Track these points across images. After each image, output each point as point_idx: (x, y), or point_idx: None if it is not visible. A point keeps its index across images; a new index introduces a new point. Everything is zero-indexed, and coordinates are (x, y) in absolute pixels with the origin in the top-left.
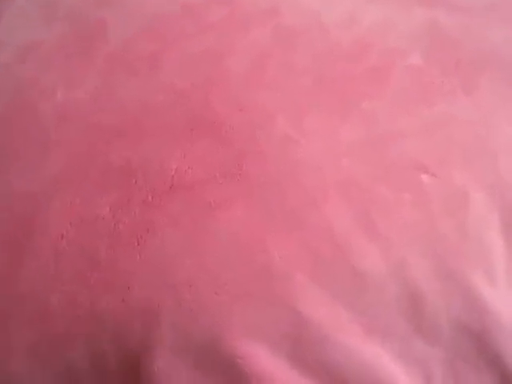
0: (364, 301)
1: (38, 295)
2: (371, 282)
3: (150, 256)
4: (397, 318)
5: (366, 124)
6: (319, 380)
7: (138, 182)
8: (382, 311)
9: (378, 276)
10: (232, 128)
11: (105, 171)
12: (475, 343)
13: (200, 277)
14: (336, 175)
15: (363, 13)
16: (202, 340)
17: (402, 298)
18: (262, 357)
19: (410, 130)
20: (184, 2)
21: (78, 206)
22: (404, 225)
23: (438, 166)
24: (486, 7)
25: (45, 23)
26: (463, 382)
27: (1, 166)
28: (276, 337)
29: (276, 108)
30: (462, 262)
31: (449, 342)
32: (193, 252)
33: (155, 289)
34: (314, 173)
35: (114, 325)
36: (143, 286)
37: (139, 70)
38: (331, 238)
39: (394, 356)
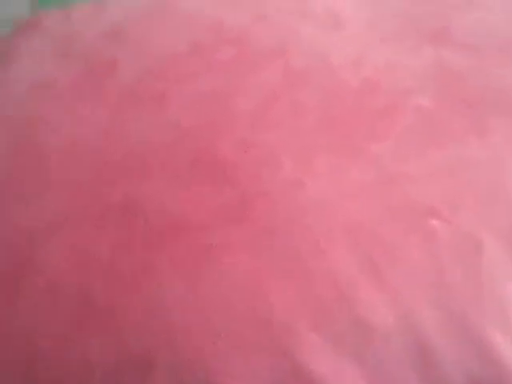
0: (369, 353)
1: (29, 338)
2: (377, 332)
3: (146, 299)
4: (405, 371)
5: (375, 167)
6: None
7: (139, 222)
8: (388, 364)
9: (384, 326)
10: (237, 169)
11: (106, 210)
12: None
13: (198, 324)
14: (343, 219)
15: (372, 53)
16: None
17: (411, 351)
18: None
19: (419, 174)
20: (192, 41)
21: (77, 244)
22: (412, 273)
23: (449, 211)
24: (499, 48)
25: (59, 61)
26: None
27: (2, 201)
28: None
29: (282, 148)
30: (476, 313)
31: None
32: (192, 297)
33: (150, 335)
34: (319, 216)
35: (105, 373)
36: (138, 331)
37: (147, 108)
38: (335, 285)
39: None
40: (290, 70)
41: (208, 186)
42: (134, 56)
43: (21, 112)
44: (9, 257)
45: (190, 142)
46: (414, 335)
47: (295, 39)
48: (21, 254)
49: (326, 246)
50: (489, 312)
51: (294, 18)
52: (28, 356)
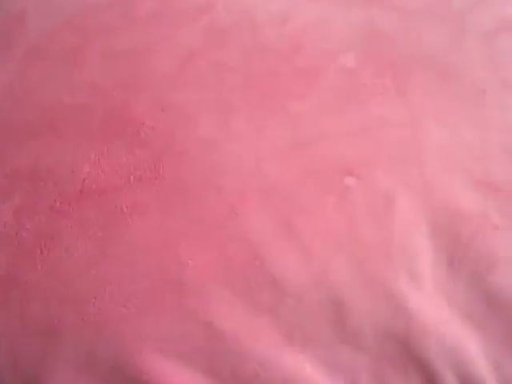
0: (284, 308)
1: None
2: (291, 289)
3: (52, 266)
4: (319, 325)
5: (292, 125)
6: None
7: (47, 185)
8: (303, 319)
9: (298, 283)
10: (151, 129)
11: (11, 173)
12: (401, 348)
13: (106, 289)
14: (257, 180)
15: (299, 11)
16: (108, 356)
17: (325, 305)
18: (170, 372)
19: (336, 132)
20: None
21: None
22: (326, 230)
23: (364, 168)
24: (422, 8)
25: None
26: None
27: None
28: (188, 351)
29: (200, 108)
30: (386, 268)
31: (374, 348)
32: (100, 262)
33: (56, 303)
34: (234, 177)
35: (10, 343)
36: (43, 299)
37: (59, 66)
38: (248, 245)
39: (317, 363)
40: (214, 27)
41: (121, 148)
42: (46, 6)
43: None
44: None
45: (105, 101)
46: (328, 290)
47: None
48: None
49: (239, 207)
50: (398, 265)
51: None
52: None
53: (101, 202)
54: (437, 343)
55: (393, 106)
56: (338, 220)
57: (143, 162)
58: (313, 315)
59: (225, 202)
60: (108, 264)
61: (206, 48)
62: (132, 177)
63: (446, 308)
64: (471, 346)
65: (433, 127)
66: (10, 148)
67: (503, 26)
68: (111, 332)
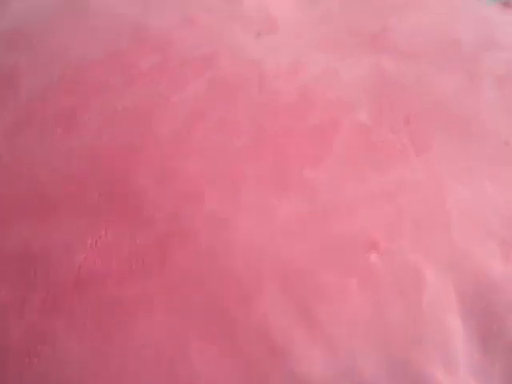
0: None
1: None
2: None
3: (44, 376)
4: None
5: (308, 197)
6: None
7: (38, 274)
8: None
9: (321, 379)
10: (154, 205)
11: (1, 259)
12: None
13: None
14: (273, 261)
15: (308, 61)
16: None
17: None
18: None
19: (356, 201)
20: (109, 47)
21: None
22: (351, 317)
23: (388, 241)
24: (437, 53)
25: None
26: None
27: None
28: None
29: (205, 179)
30: (417, 354)
31: None
32: (98, 368)
33: None
34: (247, 260)
35: None
36: None
37: (52, 130)
38: (267, 340)
39: None
40: (218, 81)
41: (121, 228)
42: (40, 65)
43: None
44: None
45: (103, 173)
46: None
47: (225, 46)
48: None
49: (254, 295)
50: (429, 350)
51: (224, 21)
52: None
53: (98, 296)
54: None
55: (413, 166)
56: (362, 304)
57: (146, 245)
58: None
59: (238, 289)
60: (108, 370)
61: (211, 106)
62: (134, 264)
63: None
64: None
65: (456, 188)
66: None
67: None
68: None
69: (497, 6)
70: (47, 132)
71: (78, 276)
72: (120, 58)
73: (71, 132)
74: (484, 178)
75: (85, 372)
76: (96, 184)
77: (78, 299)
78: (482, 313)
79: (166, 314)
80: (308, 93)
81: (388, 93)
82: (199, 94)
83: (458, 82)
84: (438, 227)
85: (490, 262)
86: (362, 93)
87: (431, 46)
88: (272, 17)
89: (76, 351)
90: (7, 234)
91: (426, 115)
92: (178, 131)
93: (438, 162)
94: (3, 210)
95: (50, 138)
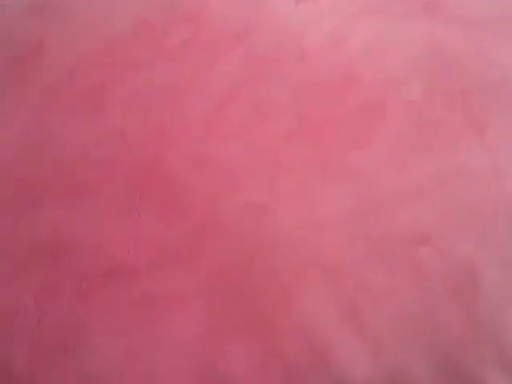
0: None
1: None
2: None
3: (79, 367)
4: None
5: (353, 184)
6: None
7: (71, 261)
8: None
9: (365, 382)
10: (188, 190)
11: (30, 247)
12: None
13: None
14: (314, 255)
15: (353, 31)
16: None
17: None
18: None
19: (405, 190)
20: (138, 19)
21: None
22: (399, 316)
23: (440, 234)
24: (497, 21)
25: None
26: None
27: None
28: None
29: (242, 164)
30: (473, 358)
31: None
32: (135, 365)
33: None
34: (287, 253)
35: None
36: None
37: (80, 109)
38: (308, 340)
39: None
40: (254, 58)
41: (153, 215)
42: (66, 38)
43: None
44: None
45: (134, 156)
46: None
47: (261, 16)
48: None
49: (295, 293)
50: (486, 354)
51: None
52: None
53: (130, 287)
54: None
55: (471, 150)
56: (412, 304)
57: (180, 235)
58: None
59: (278, 285)
60: (145, 367)
61: (247, 84)
62: (167, 253)
63: None
64: None
65: None
66: (28, 213)
67: None
68: None
69: None
70: (75, 111)
71: (110, 265)
72: (151, 30)
73: (100, 111)
74: None
75: (119, 367)
76: (126, 169)
77: (109, 289)
78: None
79: (205, 311)
80: (352, 69)
81: (442, 66)
82: (232, 71)
83: None
84: (499, 220)
85: None
86: (412, 67)
87: (493, 12)
88: None
89: (109, 344)
90: (38, 219)
91: (485, 91)
92: (210, 111)
93: (497, 143)
94: (32, 193)
95: (78, 118)
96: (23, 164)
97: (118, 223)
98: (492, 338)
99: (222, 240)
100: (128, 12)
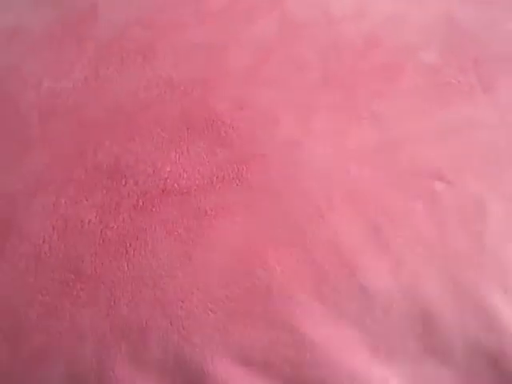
0: (371, 320)
1: (15, 305)
2: (379, 300)
3: (138, 267)
4: (406, 337)
5: (377, 126)
6: None
7: (128, 183)
8: (390, 331)
9: (386, 294)
10: (232, 128)
11: (92, 170)
12: (491, 364)
13: (193, 292)
14: (343, 183)
15: (374, 4)
16: (194, 361)
17: (413, 317)
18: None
19: (423, 134)
20: None
21: (62, 207)
22: (416, 238)
23: (454, 172)
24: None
25: (33, 7)
26: None
27: None
28: (275, 361)
29: (279, 107)
30: (479, 279)
31: (462, 362)
32: (186, 264)
33: (143, 304)
34: (319, 180)
35: (96, 341)
36: (130, 300)
37: (132, 61)
38: (337, 252)
39: (402, 378)
40: (287, 21)
41: (201, 147)
42: (117, 2)
43: None
44: None
45: (182, 98)
46: (416, 302)
47: None
48: (2, 219)
49: (326, 212)
50: (491, 277)
51: None
52: (12, 323)
53: (184, 203)
54: None
55: (481, 105)
56: (427, 228)
57: (225, 162)
58: (400, 327)
59: (311, 205)
60: (194, 267)
61: (282, 43)
62: (215, 177)
63: None
64: None
65: None
66: (89, 144)
67: None
68: (200, 338)
69: None
70: (128, 62)
71: (165, 186)
72: None
73: (150, 63)
74: None
75: (173, 265)
76: (175, 108)
77: (165, 205)
78: None
79: (244, 221)
80: (374, 36)
81: (456, 36)
82: (268, 31)
83: None
84: (506, 163)
85: None
86: (428, 35)
87: None
88: None
89: (165, 248)
90: (98, 148)
91: (494, 59)
92: (249, 64)
93: (505, 101)
94: (93, 127)
95: (130, 68)
96: (84, 105)
97: (169, 154)
98: (496, 264)
99: (262, 167)
100: None
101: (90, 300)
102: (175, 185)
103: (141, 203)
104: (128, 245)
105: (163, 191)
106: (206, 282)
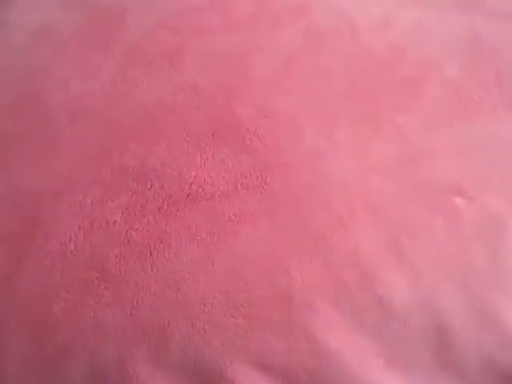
0: (387, 331)
1: (40, 302)
2: (397, 312)
3: (162, 269)
4: (422, 350)
5: (399, 139)
6: None
7: (153, 187)
8: (406, 343)
9: (404, 306)
10: (256, 136)
11: (118, 172)
12: (505, 381)
13: (215, 296)
14: (365, 194)
15: (399, 15)
16: (213, 364)
17: (429, 331)
18: None
19: (445, 149)
20: None
21: (88, 207)
22: (435, 252)
23: (475, 189)
24: None
25: (62, 8)
26: None
27: (7, 159)
28: (293, 368)
29: (303, 116)
30: (496, 296)
31: (476, 378)
32: (209, 268)
33: (166, 305)
34: (341, 190)
35: (118, 340)
36: (153, 301)
37: (159, 65)
38: (357, 263)
39: None
40: (312, 30)
41: (226, 153)
42: (146, 6)
43: (22, 61)
44: (17, 219)
45: (207, 104)
46: (433, 316)
47: None
48: (29, 217)
49: (347, 223)
50: (508, 294)
51: None
52: (38, 320)
53: (208, 208)
54: None
55: (502, 122)
56: (447, 243)
57: (249, 169)
58: (415, 340)
59: (333, 215)
60: (217, 271)
61: (306, 52)
62: (239, 184)
63: None
64: None
65: None
66: (116, 146)
67: None
68: (220, 342)
69: None
70: (155, 66)
71: (190, 190)
72: (218, 5)
73: (176, 68)
74: None
75: (196, 269)
76: (200, 114)
77: (189, 209)
78: None
79: (267, 229)
80: (399, 47)
81: (478, 50)
82: (293, 40)
83: None
84: None
85: None
86: (453, 50)
87: None
88: None
89: (188, 251)
90: (124, 151)
91: None
92: (275, 71)
93: None
94: (119, 130)
95: (156, 72)
96: (111, 107)
97: (195, 159)
98: None
99: (285, 176)
100: None
101: (113, 299)
102: (200, 190)
103: (165, 206)
104: (152, 247)
105: (188, 196)
106: (227, 287)
